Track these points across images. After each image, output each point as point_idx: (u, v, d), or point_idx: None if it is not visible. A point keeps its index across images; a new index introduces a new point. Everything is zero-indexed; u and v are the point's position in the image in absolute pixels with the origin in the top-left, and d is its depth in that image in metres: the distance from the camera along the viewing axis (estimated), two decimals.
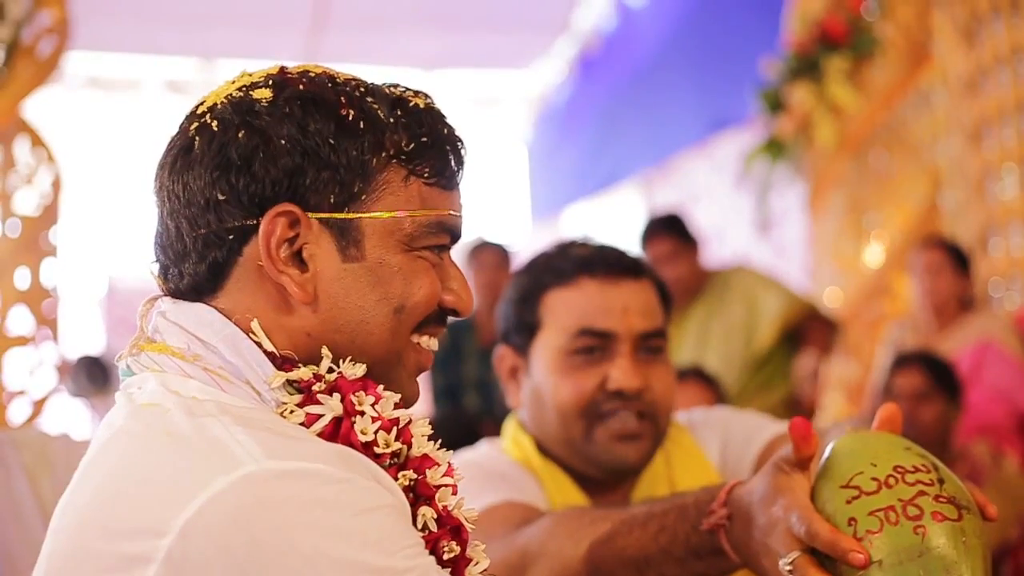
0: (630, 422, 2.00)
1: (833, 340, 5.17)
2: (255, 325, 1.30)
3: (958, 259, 4.95)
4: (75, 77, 9.68)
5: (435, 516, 1.29)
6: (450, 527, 1.31)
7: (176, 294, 1.35)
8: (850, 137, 6.18)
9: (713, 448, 2.16)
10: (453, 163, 1.37)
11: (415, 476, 1.29)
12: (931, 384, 4.14)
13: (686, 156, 9.29)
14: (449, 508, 1.31)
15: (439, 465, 1.31)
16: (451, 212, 1.36)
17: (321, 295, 1.31)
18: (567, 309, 2.03)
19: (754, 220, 6.88)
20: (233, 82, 1.36)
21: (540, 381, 2.05)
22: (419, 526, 1.28)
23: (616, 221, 11.10)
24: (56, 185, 4.16)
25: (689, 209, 5.53)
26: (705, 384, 3.87)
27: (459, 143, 1.38)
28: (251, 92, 1.32)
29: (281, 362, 1.30)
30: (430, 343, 1.38)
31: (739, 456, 2.12)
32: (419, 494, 1.30)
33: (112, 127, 10.39)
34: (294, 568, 1.13)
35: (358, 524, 1.16)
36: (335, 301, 1.31)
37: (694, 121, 8.65)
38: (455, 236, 1.38)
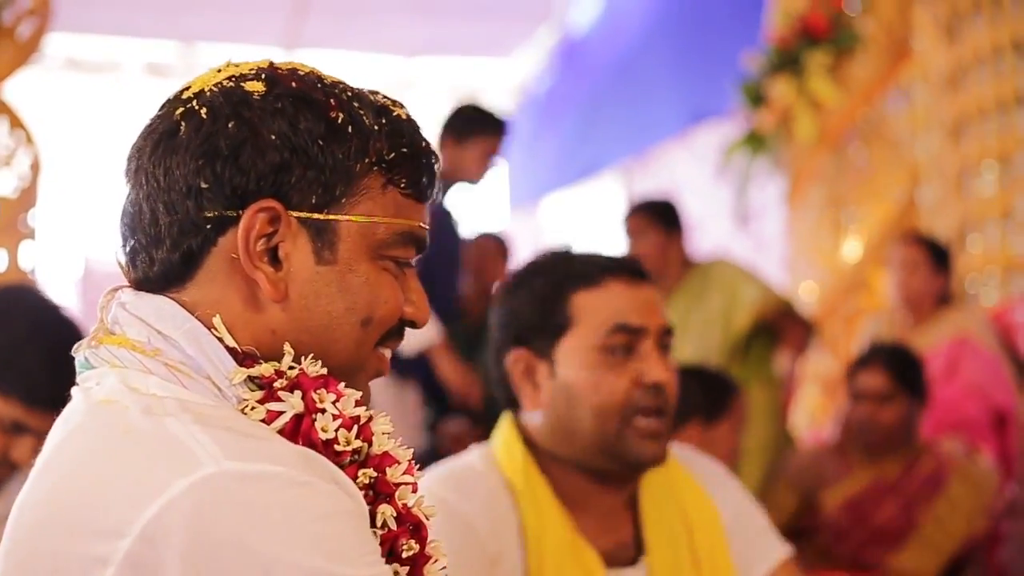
0: (655, 422, 2.10)
1: (808, 340, 5.19)
2: (217, 320, 1.29)
3: (936, 255, 4.97)
4: (54, 59, 9.63)
5: (394, 514, 1.29)
6: (410, 525, 1.30)
7: (143, 282, 1.34)
8: (830, 132, 6.19)
9: (725, 511, 2.27)
10: (426, 177, 1.38)
11: (375, 474, 1.29)
12: (893, 384, 4.14)
13: (666, 147, 9.30)
14: (409, 506, 1.31)
15: (399, 463, 1.31)
16: (421, 224, 1.37)
17: (292, 295, 1.30)
18: (598, 308, 2.11)
19: (733, 213, 6.89)
20: (220, 71, 1.34)
21: (572, 381, 2.11)
22: (378, 524, 1.28)
23: (595, 211, 11.10)
24: (35, 167, 4.13)
25: (666, 197, 5.56)
26: None
27: (434, 158, 1.39)
28: (242, 84, 1.31)
29: (243, 358, 1.29)
30: (387, 352, 1.39)
31: (747, 561, 2.25)
32: (379, 492, 1.29)
33: (91, 109, 10.33)
34: (251, 573, 1.13)
35: (316, 529, 1.15)
36: (305, 302, 1.31)
37: (675, 112, 8.65)
38: (420, 248, 1.39)
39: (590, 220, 11.28)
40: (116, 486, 1.16)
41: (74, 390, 1.33)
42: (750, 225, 7.28)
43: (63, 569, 1.17)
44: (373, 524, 1.28)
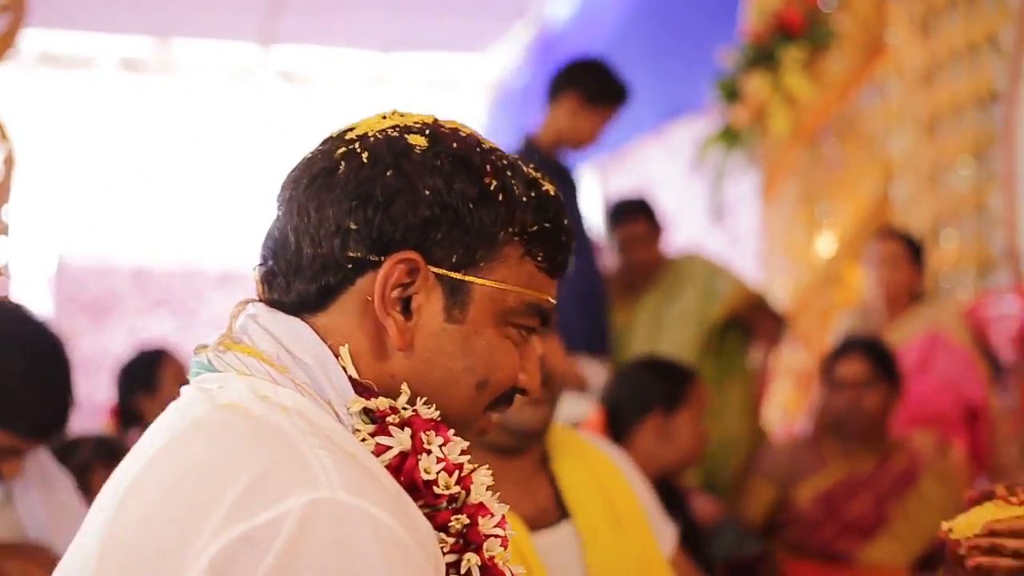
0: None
1: (781, 333, 5.21)
2: (344, 350, 1.33)
3: (914, 251, 4.99)
4: (29, 54, 9.59)
5: (479, 564, 1.32)
6: None
7: (275, 303, 1.37)
8: (804, 127, 6.21)
9: (640, 495, 2.45)
10: (563, 255, 1.42)
11: (468, 522, 1.32)
12: (874, 371, 4.17)
13: (641, 143, 9.31)
14: (495, 559, 1.34)
15: (493, 515, 1.35)
16: (550, 299, 1.41)
17: (417, 346, 1.34)
18: None
19: (708, 208, 6.91)
20: (385, 117, 1.39)
21: None
22: (462, 571, 1.31)
23: None
24: (8, 163, 4.12)
25: (644, 196, 5.56)
26: None
27: (572, 238, 1.43)
28: (406, 135, 1.35)
29: (362, 389, 1.32)
30: (494, 416, 1.44)
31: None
32: (469, 540, 1.32)
33: (66, 105, 10.29)
34: None
35: None
36: (428, 356, 1.34)
37: (650, 108, 8.65)
38: (545, 321, 1.43)
39: None
40: (234, 487, 1.17)
41: (188, 388, 1.35)
42: (725, 220, 7.30)
43: (167, 557, 1.17)
44: (457, 571, 1.31)
